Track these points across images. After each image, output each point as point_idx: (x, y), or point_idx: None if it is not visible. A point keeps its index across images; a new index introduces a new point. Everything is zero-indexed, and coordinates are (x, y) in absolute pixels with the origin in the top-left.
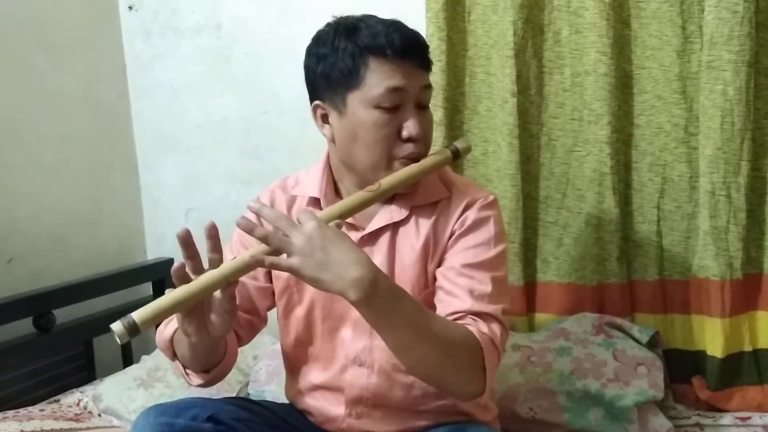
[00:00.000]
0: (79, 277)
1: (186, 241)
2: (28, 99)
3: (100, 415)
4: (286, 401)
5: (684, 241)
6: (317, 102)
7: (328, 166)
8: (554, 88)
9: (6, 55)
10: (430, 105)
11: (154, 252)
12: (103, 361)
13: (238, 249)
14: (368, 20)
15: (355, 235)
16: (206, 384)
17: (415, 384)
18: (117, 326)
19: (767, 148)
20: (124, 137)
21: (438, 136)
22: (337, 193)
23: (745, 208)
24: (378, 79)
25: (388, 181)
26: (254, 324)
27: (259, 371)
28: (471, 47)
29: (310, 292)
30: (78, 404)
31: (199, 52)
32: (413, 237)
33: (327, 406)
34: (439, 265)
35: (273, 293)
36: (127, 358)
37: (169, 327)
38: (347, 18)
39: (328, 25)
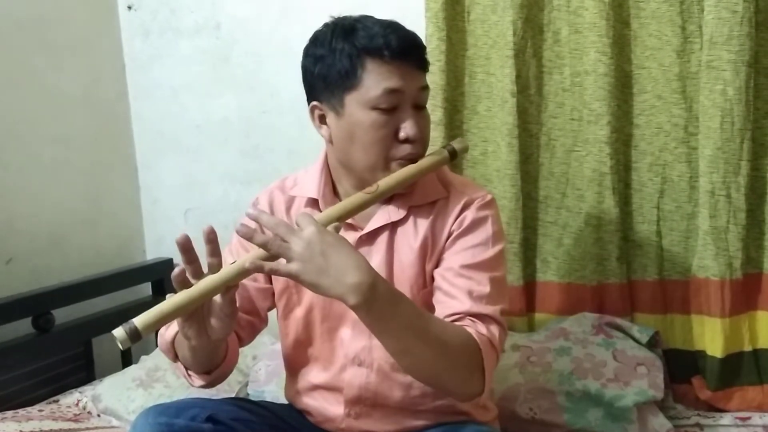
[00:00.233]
0: (79, 278)
1: (185, 246)
2: (27, 99)
3: (99, 416)
4: (286, 401)
5: (684, 241)
6: (315, 103)
7: (326, 167)
8: (554, 87)
9: (6, 55)
10: (428, 105)
11: (153, 252)
12: (103, 361)
13: (238, 251)
14: (365, 21)
15: (353, 235)
16: (208, 385)
17: (414, 384)
18: (119, 332)
19: (767, 148)
20: (123, 137)
21: (438, 136)
22: (336, 194)
23: (744, 208)
24: (375, 80)
25: (386, 182)
26: (255, 324)
27: (259, 371)
28: (470, 47)
29: (308, 293)
30: (77, 405)
31: (199, 52)
32: (411, 237)
33: (326, 406)
34: (437, 264)
35: (273, 294)
36: (127, 359)
37: (170, 330)
38: (344, 19)
39: (326, 25)
